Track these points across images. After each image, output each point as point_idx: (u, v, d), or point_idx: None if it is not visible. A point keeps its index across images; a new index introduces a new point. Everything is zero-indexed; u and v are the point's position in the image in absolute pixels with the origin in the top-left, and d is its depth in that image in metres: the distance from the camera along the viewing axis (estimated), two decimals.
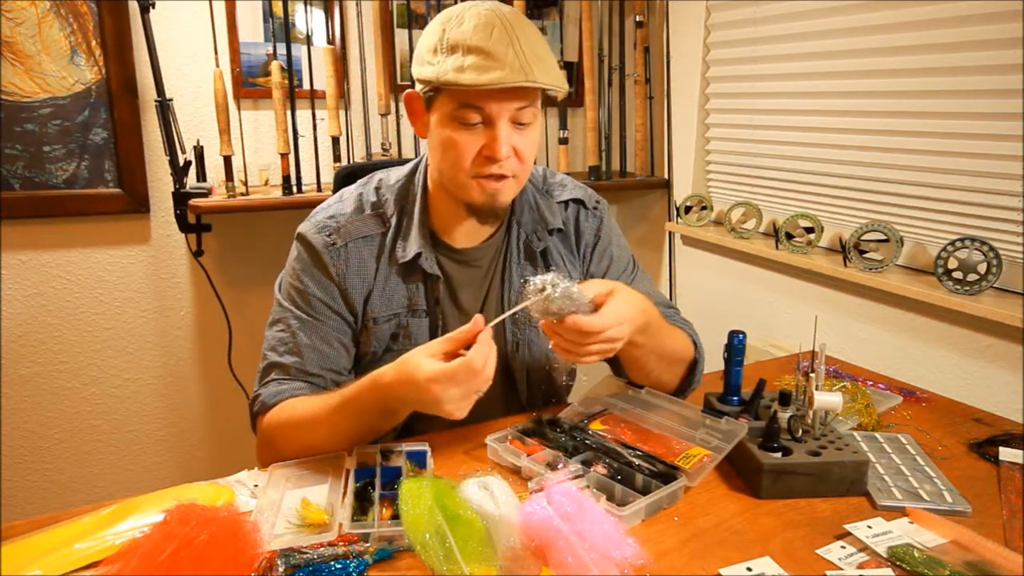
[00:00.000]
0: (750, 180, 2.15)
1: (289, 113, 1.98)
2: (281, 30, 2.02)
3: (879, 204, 1.76)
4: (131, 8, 1.87)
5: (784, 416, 0.99)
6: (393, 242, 1.09)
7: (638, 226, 2.61)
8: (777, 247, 1.96)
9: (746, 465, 0.96)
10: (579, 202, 1.21)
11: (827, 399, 0.98)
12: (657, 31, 2.40)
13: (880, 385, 1.30)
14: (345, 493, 0.89)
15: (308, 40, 2.07)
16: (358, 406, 0.95)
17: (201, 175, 1.93)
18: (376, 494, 0.87)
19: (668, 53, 2.35)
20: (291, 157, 1.98)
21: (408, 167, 1.15)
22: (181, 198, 1.87)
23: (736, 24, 2.07)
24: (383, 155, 2.18)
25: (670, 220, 2.42)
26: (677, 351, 1.13)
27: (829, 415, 1.01)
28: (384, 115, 2.15)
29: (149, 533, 0.71)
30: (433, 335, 1.11)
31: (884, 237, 1.70)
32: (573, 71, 2.48)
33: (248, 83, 2.06)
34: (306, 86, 2.08)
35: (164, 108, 1.84)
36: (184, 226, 1.92)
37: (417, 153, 2.21)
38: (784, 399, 1.01)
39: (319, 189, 2.06)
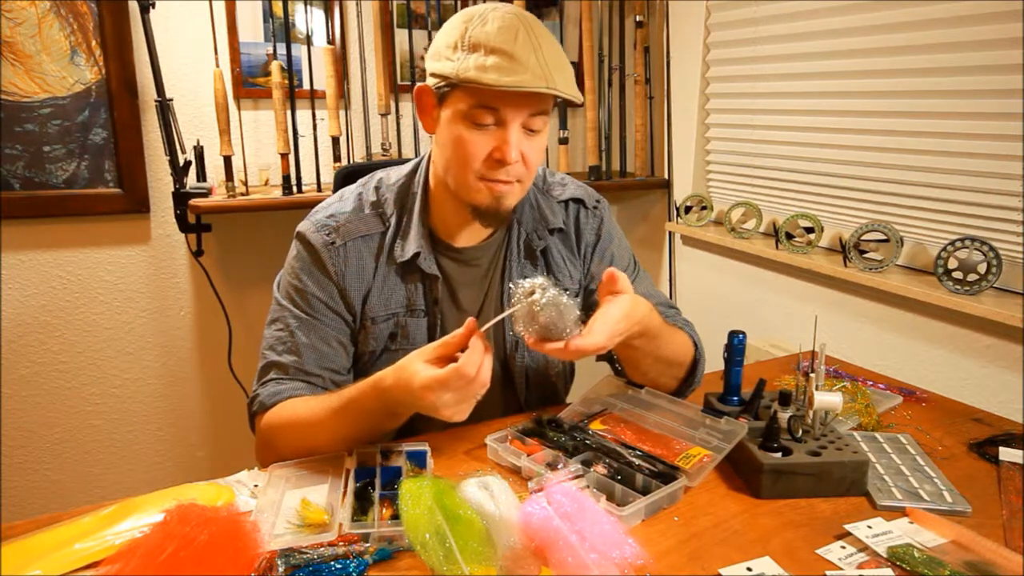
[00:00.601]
0: (750, 180, 2.15)
1: (289, 113, 1.98)
2: (281, 30, 2.02)
3: (879, 204, 1.76)
4: (131, 8, 1.87)
5: (784, 416, 0.99)
6: (392, 241, 1.09)
7: (638, 226, 2.61)
8: (777, 247, 1.96)
9: (746, 465, 0.96)
10: (579, 201, 1.21)
11: (827, 399, 0.98)
12: (657, 31, 2.40)
13: (880, 385, 1.30)
14: (345, 493, 0.89)
15: (308, 40, 2.07)
16: (360, 408, 0.95)
17: (201, 175, 1.93)
18: (376, 494, 0.87)
19: (668, 53, 2.35)
20: (291, 157, 1.98)
21: (409, 166, 1.15)
22: (181, 198, 1.88)
23: (736, 24, 2.07)
24: (383, 155, 2.18)
25: (670, 220, 2.42)
26: (676, 353, 1.12)
27: (829, 415, 1.01)
28: (384, 115, 2.15)
29: (149, 533, 0.71)
30: (432, 335, 1.11)
31: (884, 237, 1.70)
32: (573, 71, 2.47)
33: (248, 83, 2.06)
34: (306, 86, 2.08)
35: (164, 108, 1.84)
36: (184, 226, 1.92)
37: (417, 153, 2.21)
38: (784, 399, 1.01)
39: (319, 189, 2.06)
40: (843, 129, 1.80)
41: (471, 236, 1.13)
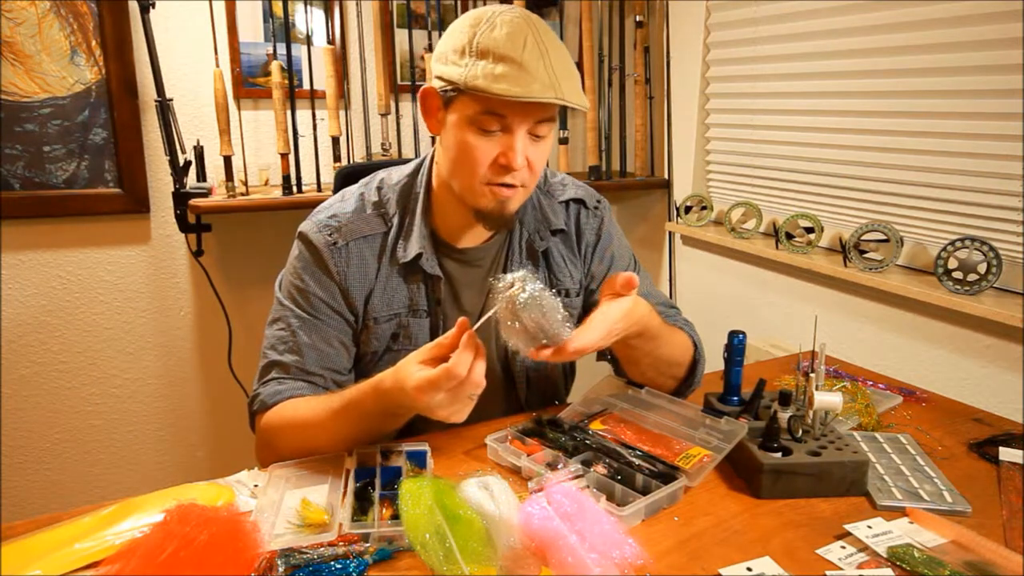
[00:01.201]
0: (750, 180, 2.15)
1: (289, 113, 1.98)
2: (281, 30, 2.02)
3: (879, 204, 1.76)
4: (131, 8, 1.87)
5: (784, 416, 0.99)
6: (395, 242, 1.09)
7: (638, 226, 2.61)
8: (777, 247, 1.96)
9: (746, 465, 0.96)
10: (580, 202, 1.21)
11: (827, 399, 0.98)
12: (657, 31, 2.40)
13: (880, 385, 1.30)
14: (345, 493, 0.89)
15: (308, 40, 2.07)
16: (360, 410, 0.95)
17: (201, 175, 1.93)
18: (376, 494, 0.87)
19: (668, 53, 2.35)
20: (291, 157, 1.98)
21: (411, 166, 1.15)
22: (181, 198, 1.88)
23: (736, 24, 2.07)
24: (383, 155, 2.18)
25: (670, 220, 2.42)
26: (676, 353, 1.12)
27: (829, 415, 1.01)
28: (384, 115, 2.15)
29: (149, 533, 0.71)
30: (434, 335, 1.11)
31: (884, 237, 1.70)
32: (579, 75, 2.47)
33: (248, 83, 2.06)
34: (306, 86, 2.08)
35: (164, 108, 1.84)
36: (184, 226, 1.92)
37: (417, 153, 2.21)
38: (784, 399, 1.01)
39: (319, 189, 2.06)
40: (843, 129, 1.80)
41: (473, 237, 1.13)
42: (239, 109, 2.05)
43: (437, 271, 1.10)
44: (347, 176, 1.31)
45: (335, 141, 2.05)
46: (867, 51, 1.70)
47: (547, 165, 1.15)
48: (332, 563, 0.76)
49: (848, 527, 0.85)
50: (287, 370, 1.06)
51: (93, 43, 1.87)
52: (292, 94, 1.99)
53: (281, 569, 0.74)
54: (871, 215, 1.78)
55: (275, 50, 2.01)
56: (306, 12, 2.06)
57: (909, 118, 1.65)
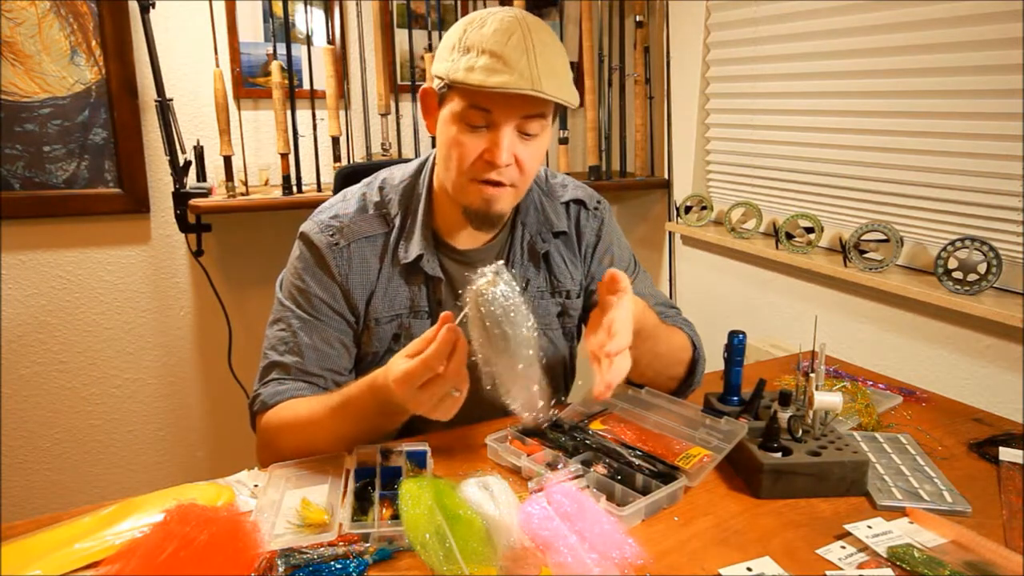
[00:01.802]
0: (750, 180, 2.15)
1: (289, 113, 1.98)
2: (281, 30, 2.02)
3: (879, 204, 1.76)
4: (131, 8, 1.87)
5: (784, 416, 0.99)
6: (396, 242, 1.09)
7: (638, 226, 2.61)
8: (777, 247, 1.96)
9: (746, 465, 0.96)
10: (580, 203, 1.21)
11: (827, 399, 0.98)
12: (657, 31, 2.40)
13: (880, 385, 1.30)
14: (345, 493, 0.89)
15: (308, 40, 2.07)
16: (358, 408, 0.95)
17: (201, 175, 1.93)
18: (376, 494, 0.87)
19: (668, 53, 2.35)
20: (291, 157, 1.98)
21: (413, 166, 1.15)
22: (181, 198, 1.88)
23: (736, 24, 2.07)
24: (383, 155, 2.18)
25: (670, 220, 2.42)
26: (674, 353, 1.12)
27: (829, 415, 1.01)
28: (384, 115, 2.15)
29: (149, 533, 0.71)
30: None
31: (884, 237, 1.70)
32: (573, 71, 2.47)
33: (248, 83, 2.06)
34: (306, 86, 2.08)
35: (164, 108, 1.84)
36: (184, 226, 1.92)
37: (417, 153, 2.21)
38: (784, 399, 1.01)
39: (319, 189, 2.06)
40: (843, 129, 1.80)
41: (474, 238, 1.12)
42: (239, 109, 2.05)
43: (438, 272, 1.10)
44: (347, 176, 1.31)
45: (335, 141, 2.05)
46: (867, 51, 1.70)
47: (547, 165, 1.15)
48: (332, 563, 0.76)
49: (848, 527, 0.85)
50: (288, 371, 1.06)
51: (93, 43, 1.87)
52: (292, 94, 1.99)
53: (281, 569, 0.74)
54: (871, 215, 1.78)
55: (275, 50, 2.01)
56: (306, 12, 2.06)
57: (909, 118, 1.65)
